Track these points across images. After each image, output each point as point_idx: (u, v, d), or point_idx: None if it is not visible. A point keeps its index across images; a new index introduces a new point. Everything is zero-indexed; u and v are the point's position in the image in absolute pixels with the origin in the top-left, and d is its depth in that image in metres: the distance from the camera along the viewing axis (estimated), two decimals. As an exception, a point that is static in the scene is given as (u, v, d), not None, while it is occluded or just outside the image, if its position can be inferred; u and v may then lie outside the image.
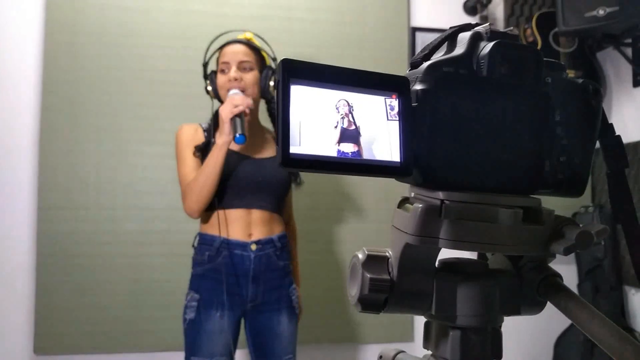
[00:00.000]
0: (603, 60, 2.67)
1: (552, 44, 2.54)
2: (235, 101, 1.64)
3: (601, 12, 2.17)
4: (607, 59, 2.67)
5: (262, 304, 1.72)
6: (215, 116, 1.79)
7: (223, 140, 1.62)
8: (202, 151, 1.72)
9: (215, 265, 1.68)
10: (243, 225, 1.69)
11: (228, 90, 1.70)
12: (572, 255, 2.59)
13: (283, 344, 1.75)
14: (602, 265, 2.48)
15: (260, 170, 1.73)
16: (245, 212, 1.70)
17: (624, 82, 2.58)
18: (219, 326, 1.66)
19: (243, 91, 1.71)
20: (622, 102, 2.59)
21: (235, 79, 1.71)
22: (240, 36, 1.80)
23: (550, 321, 2.56)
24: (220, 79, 1.74)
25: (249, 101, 1.67)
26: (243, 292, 1.68)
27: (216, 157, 1.61)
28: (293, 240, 1.93)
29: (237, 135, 1.60)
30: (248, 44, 1.77)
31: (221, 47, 1.76)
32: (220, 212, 1.68)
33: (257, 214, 1.71)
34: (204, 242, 1.72)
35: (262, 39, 1.82)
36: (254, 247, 1.68)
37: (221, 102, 1.77)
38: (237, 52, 1.73)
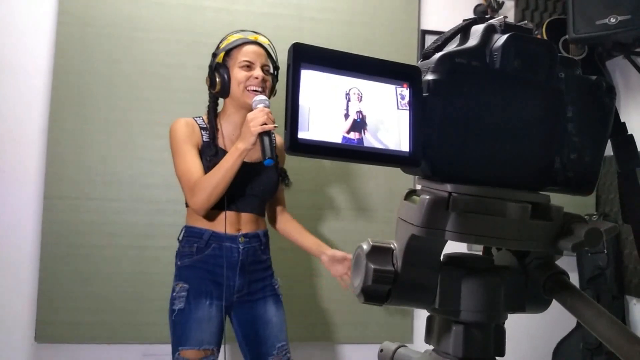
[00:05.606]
0: (612, 69, 2.65)
1: (562, 50, 2.53)
2: (269, 117, 1.61)
3: (612, 20, 2.15)
4: (616, 67, 2.66)
5: (248, 294, 1.76)
6: (214, 111, 1.78)
7: (245, 147, 1.60)
8: (202, 152, 1.72)
9: (204, 256, 1.72)
10: (232, 223, 1.74)
11: (248, 90, 1.69)
12: (574, 262, 2.57)
13: (274, 331, 1.77)
14: (605, 274, 2.47)
15: (251, 176, 1.74)
16: (235, 214, 1.75)
17: (634, 91, 2.57)
18: (207, 314, 1.69)
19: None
20: (631, 111, 2.57)
21: (264, 80, 1.70)
22: (253, 36, 1.76)
23: (550, 327, 2.55)
24: (241, 74, 1.70)
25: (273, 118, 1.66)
26: (231, 282, 1.72)
27: (234, 161, 1.61)
28: (296, 222, 1.94)
29: (267, 158, 1.58)
30: (268, 50, 1.76)
31: (239, 45, 1.72)
32: (212, 211, 1.71)
33: (245, 217, 1.77)
34: (191, 234, 1.75)
35: (273, 48, 1.79)
36: (242, 239, 1.74)
37: (226, 96, 1.75)
38: (260, 55, 1.73)
